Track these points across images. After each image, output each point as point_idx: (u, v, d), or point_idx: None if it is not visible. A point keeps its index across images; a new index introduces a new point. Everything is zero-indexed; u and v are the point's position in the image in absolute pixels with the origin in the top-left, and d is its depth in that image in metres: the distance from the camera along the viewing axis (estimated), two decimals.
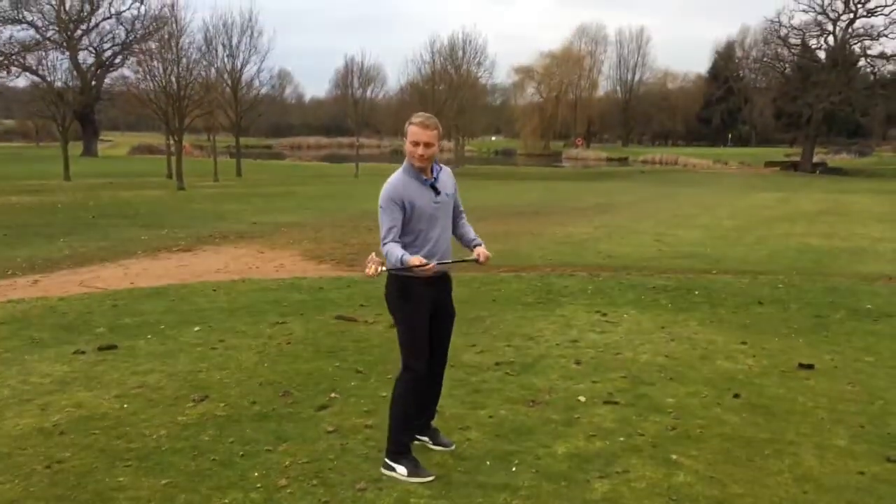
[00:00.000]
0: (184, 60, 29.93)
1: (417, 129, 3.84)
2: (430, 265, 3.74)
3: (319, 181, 36.06)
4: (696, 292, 9.06)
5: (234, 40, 38.06)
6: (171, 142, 31.94)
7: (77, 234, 14.62)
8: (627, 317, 7.75)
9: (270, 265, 11.45)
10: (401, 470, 3.91)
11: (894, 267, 11.89)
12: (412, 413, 4.07)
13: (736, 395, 5.23)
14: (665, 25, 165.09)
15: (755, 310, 8.16)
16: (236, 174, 39.32)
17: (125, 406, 4.90)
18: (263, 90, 48.65)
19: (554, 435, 4.50)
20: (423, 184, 3.93)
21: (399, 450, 3.99)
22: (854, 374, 5.77)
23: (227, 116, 38.93)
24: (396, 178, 3.89)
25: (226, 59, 38.16)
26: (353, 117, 55.28)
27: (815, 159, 62.38)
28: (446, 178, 4.10)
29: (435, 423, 4.41)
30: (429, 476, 3.89)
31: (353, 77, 61.09)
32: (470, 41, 56.22)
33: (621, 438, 4.45)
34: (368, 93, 67.46)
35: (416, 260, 3.72)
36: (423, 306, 3.98)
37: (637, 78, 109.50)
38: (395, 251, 3.75)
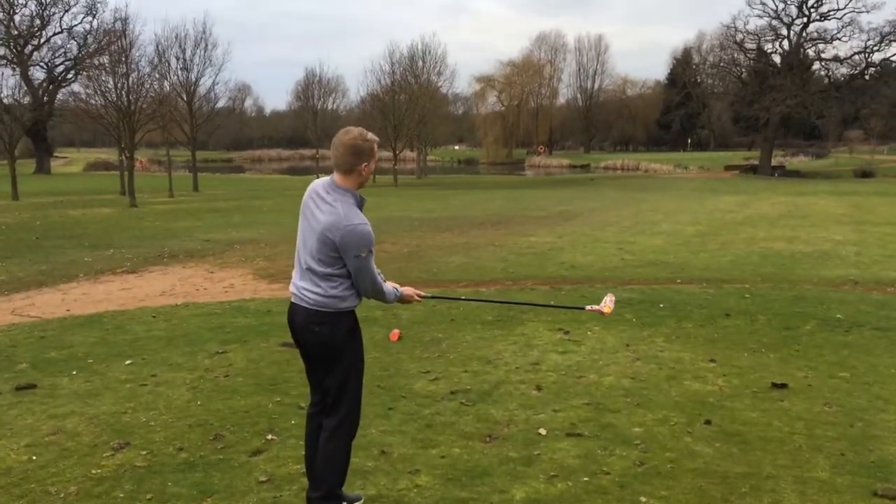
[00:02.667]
0: (134, 74, 29.13)
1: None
2: (421, 295, 3.77)
3: (278, 194, 35.34)
4: (662, 305, 8.74)
5: (188, 53, 37.29)
6: (124, 157, 31.02)
7: (18, 256, 13.89)
8: (591, 334, 7.38)
9: (220, 286, 10.90)
10: None
11: (858, 271, 11.73)
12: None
13: (707, 422, 4.86)
14: (623, 33, 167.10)
15: (722, 323, 7.84)
16: (193, 189, 38.45)
17: (34, 458, 4.37)
18: (220, 103, 47.92)
19: (512, 476, 4.08)
20: None
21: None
22: (830, 394, 5.45)
23: (183, 131, 38.04)
24: (365, 219, 3.40)
25: (179, 72, 37.36)
26: (314, 129, 54.79)
27: (774, 162, 63.26)
28: None
29: (381, 465, 3.96)
30: None
31: (313, 88, 60.80)
32: (429, 51, 56.10)
33: (585, 478, 4.05)
34: (329, 104, 67.22)
35: (408, 290, 3.70)
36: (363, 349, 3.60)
37: (597, 85, 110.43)
38: (389, 287, 3.60)
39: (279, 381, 5.80)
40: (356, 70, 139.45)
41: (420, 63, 55.06)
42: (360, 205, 3.45)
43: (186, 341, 7.16)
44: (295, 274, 3.57)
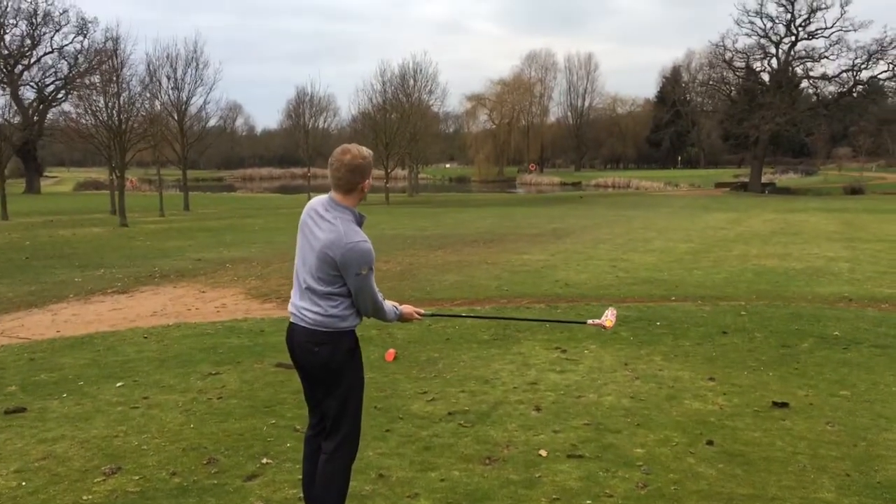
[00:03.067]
0: (125, 94, 29.06)
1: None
2: (421, 313, 3.80)
3: (269, 213, 35.26)
4: (658, 323, 8.69)
5: (179, 72, 37.29)
6: (114, 177, 30.89)
7: (7, 277, 13.73)
8: (588, 353, 7.32)
9: (211, 306, 10.79)
10: None
11: (852, 288, 11.72)
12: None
13: (709, 442, 4.79)
14: (613, 52, 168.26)
15: (720, 340, 7.79)
16: (184, 208, 38.31)
17: (23, 484, 4.27)
18: (211, 122, 47.90)
19: (513, 500, 4.00)
20: None
21: None
22: (832, 412, 5.39)
23: (174, 150, 37.94)
24: (365, 237, 3.37)
25: (170, 92, 37.34)
26: (305, 148, 54.73)
27: (764, 179, 63.62)
28: None
29: (379, 489, 3.88)
30: None
31: (304, 107, 60.86)
32: (420, 69, 56.35)
33: (588, 501, 3.98)
34: (321, 123, 67.30)
35: (408, 308, 3.71)
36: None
37: (587, 104, 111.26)
38: (389, 306, 3.59)
39: (274, 403, 5.71)
40: (348, 89, 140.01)
41: (411, 82, 55.32)
42: (360, 222, 3.42)
43: (178, 362, 7.06)
44: (294, 294, 3.51)
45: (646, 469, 4.39)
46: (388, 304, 3.58)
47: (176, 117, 37.35)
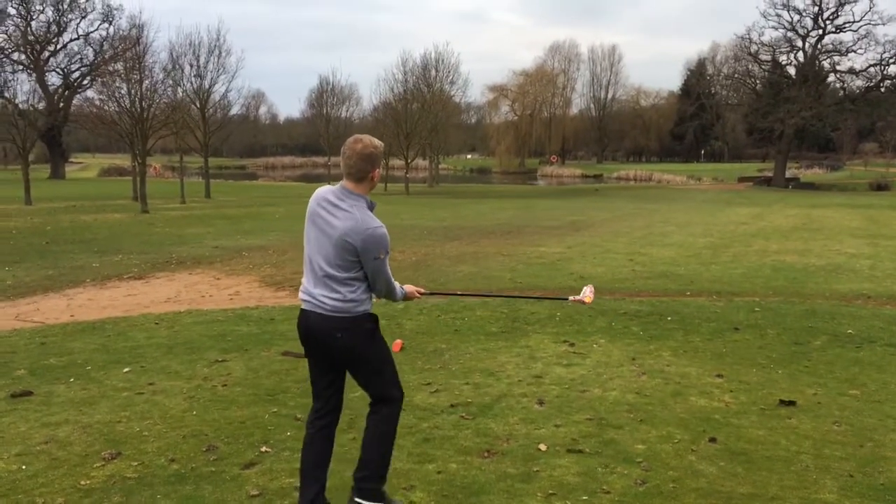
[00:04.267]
0: (147, 81, 29.25)
1: None
2: (421, 291, 4.05)
3: (290, 201, 35.39)
4: (670, 318, 8.60)
5: (202, 60, 37.47)
6: (137, 163, 31.13)
7: (27, 261, 13.91)
8: (597, 346, 7.26)
9: (225, 293, 10.86)
10: None
11: (871, 285, 11.55)
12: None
13: (712, 440, 4.73)
14: (637, 43, 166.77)
15: (731, 337, 7.70)
16: (205, 195, 38.56)
17: (24, 467, 4.30)
18: (234, 110, 48.09)
19: (509, 494, 3.97)
20: None
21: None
22: (839, 412, 5.30)
23: (196, 137, 38.16)
24: (381, 223, 3.56)
25: (193, 79, 37.53)
26: (326, 137, 54.84)
27: (788, 174, 62.87)
28: None
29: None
30: None
31: (326, 97, 60.99)
32: (442, 60, 56.21)
33: (584, 497, 3.94)
34: (343, 112, 67.31)
35: (410, 288, 3.92)
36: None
37: (610, 96, 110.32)
38: (397, 286, 3.78)
39: (277, 392, 5.72)
40: (370, 78, 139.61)
41: (433, 72, 55.22)
42: (372, 209, 3.57)
43: (187, 349, 7.10)
44: (307, 282, 3.60)
45: (645, 466, 4.34)
46: (396, 285, 3.76)
47: (198, 105, 37.55)
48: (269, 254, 15.25)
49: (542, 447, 4.62)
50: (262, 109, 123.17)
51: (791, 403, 5.44)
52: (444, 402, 5.52)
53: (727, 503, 3.88)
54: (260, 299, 10.29)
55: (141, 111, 28.50)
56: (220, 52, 38.07)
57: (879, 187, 53.86)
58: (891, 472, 4.28)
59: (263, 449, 4.57)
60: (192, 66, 37.21)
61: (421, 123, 48.71)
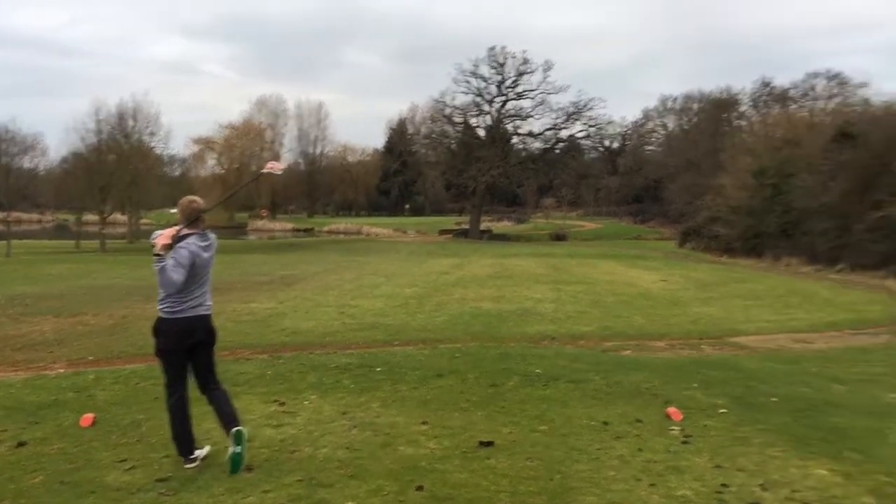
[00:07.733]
0: None
1: None
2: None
3: None
4: (379, 368, 8.79)
5: None
6: None
7: None
8: (308, 403, 7.17)
9: None
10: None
11: (555, 326, 12.83)
12: None
13: (419, 488, 4.87)
14: (342, 102, 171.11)
15: (435, 383, 8.05)
16: None
17: None
18: None
19: None
20: None
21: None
22: (531, 448, 5.75)
23: None
24: None
25: None
26: (4, 189, 48.97)
27: (482, 226, 68.41)
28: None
29: None
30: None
31: (6, 145, 54.56)
32: (141, 110, 53.22)
33: None
34: (26, 163, 60.53)
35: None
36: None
37: (319, 151, 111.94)
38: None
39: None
40: (58, 127, 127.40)
41: (130, 122, 52.03)
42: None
43: None
44: (200, 298, 5.24)
45: None
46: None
47: None
48: None
49: None
50: None
51: (489, 444, 5.78)
52: (141, 478, 5.07)
53: None
54: None
55: None
56: None
57: (558, 237, 60.79)
58: (578, 501, 4.69)
59: None
60: None
61: (118, 176, 45.49)
